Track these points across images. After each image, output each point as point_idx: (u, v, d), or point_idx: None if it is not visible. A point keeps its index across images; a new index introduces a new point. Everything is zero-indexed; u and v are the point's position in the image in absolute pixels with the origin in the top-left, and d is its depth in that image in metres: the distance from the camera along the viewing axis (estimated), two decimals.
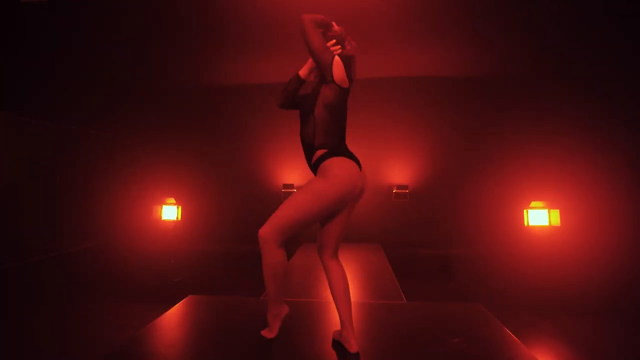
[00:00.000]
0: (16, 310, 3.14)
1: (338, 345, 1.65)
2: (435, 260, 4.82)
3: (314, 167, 1.64)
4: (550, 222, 4.52)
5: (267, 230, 1.54)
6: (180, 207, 5.19)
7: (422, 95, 5.38)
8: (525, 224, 4.65)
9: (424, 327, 1.95)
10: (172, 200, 5.21)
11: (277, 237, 1.55)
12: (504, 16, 3.70)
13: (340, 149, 1.62)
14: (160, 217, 5.11)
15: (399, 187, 5.48)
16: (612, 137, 4.75)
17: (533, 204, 4.66)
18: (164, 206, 5.13)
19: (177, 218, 5.12)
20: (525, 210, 4.66)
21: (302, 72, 1.77)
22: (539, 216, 4.57)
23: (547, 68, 5.03)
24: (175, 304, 2.26)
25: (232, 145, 5.88)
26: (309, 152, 1.67)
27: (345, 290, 1.66)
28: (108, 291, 3.58)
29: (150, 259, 4.73)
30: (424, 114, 5.45)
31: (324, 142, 1.61)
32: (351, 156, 1.62)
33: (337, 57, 1.62)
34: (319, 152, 1.61)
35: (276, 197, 5.78)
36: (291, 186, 5.76)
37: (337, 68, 1.60)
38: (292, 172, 6.02)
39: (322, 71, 1.61)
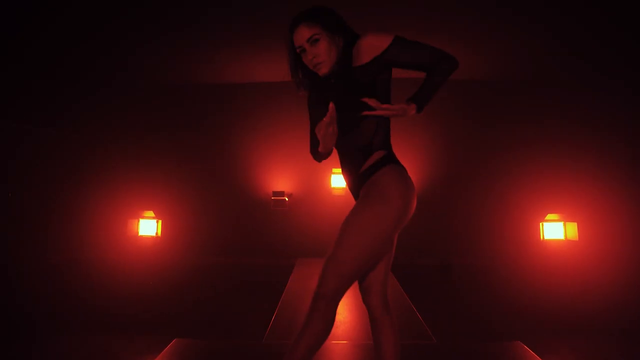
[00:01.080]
0: None
1: None
2: (447, 272, 4.54)
3: (364, 175, 1.19)
4: (566, 235, 4.27)
5: (332, 287, 1.08)
6: (160, 221, 4.64)
7: (434, 99, 5.08)
8: (541, 237, 4.39)
9: None
10: (151, 213, 4.64)
11: (340, 296, 1.10)
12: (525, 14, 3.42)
13: (394, 155, 1.22)
14: (137, 232, 4.54)
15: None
16: (630, 147, 4.58)
17: (549, 216, 4.40)
18: (141, 220, 4.56)
19: (156, 233, 4.56)
20: (541, 224, 4.39)
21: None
22: (555, 229, 4.31)
23: (567, 76, 4.83)
24: (158, 342, 1.81)
25: (216, 151, 5.41)
26: (360, 156, 1.21)
27: (394, 344, 1.23)
28: (73, 318, 3.01)
29: (124, 279, 4.15)
30: (437, 119, 5.13)
31: (385, 142, 1.21)
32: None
33: None
34: (379, 155, 1.18)
35: (265, 206, 5.34)
36: (282, 194, 5.34)
37: None
38: (282, 178, 5.60)
39: None
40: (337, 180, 5.22)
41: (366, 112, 1.13)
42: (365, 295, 1.26)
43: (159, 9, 3.39)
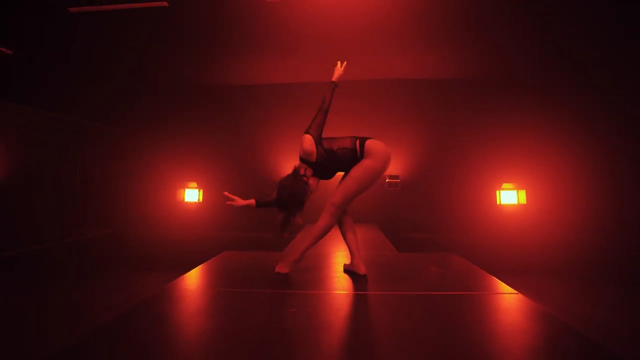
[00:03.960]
0: (74, 279, 3.64)
1: (349, 272, 2.19)
2: (422, 233, 5.45)
3: (360, 155, 2.04)
4: (518, 200, 5.19)
5: (339, 199, 2.00)
6: (201, 190, 5.72)
7: (410, 96, 6.04)
8: (498, 202, 5.32)
9: (411, 265, 2.53)
10: (194, 184, 5.74)
11: (343, 205, 2.03)
12: (484, 29, 4.35)
13: (364, 136, 2.10)
14: (184, 199, 5.63)
15: (391, 177, 6.08)
16: (567, 131, 5.47)
17: (504, 185, 5.33)
18: (186, 189, 5.66)
19: (198, 200, 5.64)
20: (497, 191, 5.32)
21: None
22: (509, 196, 5.24)
23: (515, 73, 5.73)
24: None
25: (242, 139, 6.45)
26: (350, 157, 2.04)
27: (353, 230, 2.21)
28: (147, 264, 4.10)
29: (178, 236, 5.24)
30: (412, 113, 6.10)
31: (353, 137, 2.08)
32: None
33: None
34: (357, 142, 2.05)
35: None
36: None
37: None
38: (292, 163, 6.55)
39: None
40: None
41: None
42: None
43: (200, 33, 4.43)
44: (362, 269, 2.14)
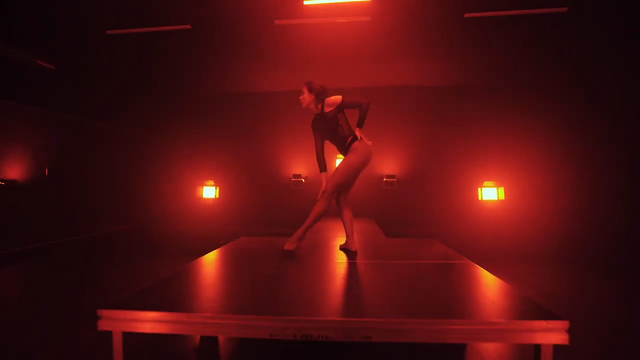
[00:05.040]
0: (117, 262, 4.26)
1: (344, 249, 2.76)
2: (414, 224, 6.01)
3: (347, 148, 2.58)
4: (497, 196, 5.74)
5: (330, 187, 2.54)
6: (218, 188, 6.35)
7: (403, 103, 6.61)
8: (480, 198, 5.87)
9: (394, 245, 3.10)
10: (212, 182, 6.37)
11: (334, 192, 2.57)
12: (468, 42, 4.92)
13: (356, 137, 2.61)
14: (202, 195, 6.26)
15: (388, 176, 6.65)
16: (539, 135, 6.03)
17: (485, 183, 5.87)
18: (204, 187, 6.28)
19: (215, 196, 6.27)
20: (479, 188, 5.87)
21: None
22: (490, 192, 5.79)
23: (496, 81, 6.29)
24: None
25: (254, 141, 7.06)
26: (344, 142, 2.59)
27: (351, 219, 2.77)
28: (174, 252, 4.72)
29: (198, 229, 5.87)
30: (405, 118, 6.66)
31: (351, 133, 2.60)
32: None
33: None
34: (350, 139, 2.57)
35: (287, 184, 6.94)
36: (299, 176, 6.90)
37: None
38: (300, 164, 7.18)
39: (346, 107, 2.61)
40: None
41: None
42: (339, 199, 2.72)
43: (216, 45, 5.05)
44: (353, 247, 2.70)
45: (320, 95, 2.63)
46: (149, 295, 1.74)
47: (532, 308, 1.51)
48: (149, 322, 1.51)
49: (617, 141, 5.74)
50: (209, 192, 6.38)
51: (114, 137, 6.62)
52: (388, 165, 6.78)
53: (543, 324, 1.37)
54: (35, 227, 5.29)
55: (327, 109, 2.59)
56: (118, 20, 4.42)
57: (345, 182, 2.60)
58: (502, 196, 5.75)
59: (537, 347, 1.40)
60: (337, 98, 2.57)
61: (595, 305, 2.86)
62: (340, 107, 2.58)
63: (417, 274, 2.10)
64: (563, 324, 1.37)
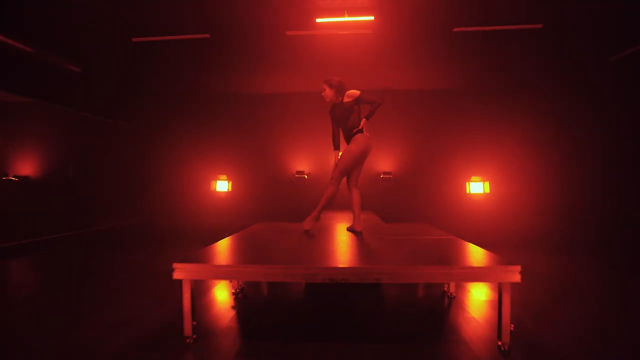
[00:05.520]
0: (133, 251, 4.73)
1: (350, 230, 3.27)
2: (408, 214, 6.57)
3: (350, 137, 3.07)
4: (484, 190, 6.33)
5: (337, 173, 3.02)
6: (230, 182, 6.84)
7: (399, 105, 7.18)
8: (467, 192, 6.46)
9: (391, 227, 3.63)
10: (224, 176, 6.86)
11: (340, 177, 3.05)
12: (462, 50, 5.49)
13: (360, 130, 3.14)
14: (215, 188, 6.75)
15: (385, 173, 7.19)
16: (524, 134, 6.66)
17: (473, 178, 6.47)
18: (217, 181, 6.77)
19: (228, 189, 6.76)
20: (467, 183, 6.46)
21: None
22: (477, 186, 6.38)
23: (481, 86, 6.90)
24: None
25: (262, 140, 7.58)
26: (350, 131, 3.07)
27: (359, 202, 3.29)
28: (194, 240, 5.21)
29: (213, 220, 6.34)
30: (401, 119, 7.23)
31: (356, 126, 3.08)
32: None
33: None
34: (356, 130, 3.05)
35: (290, 180, 7.45)
36: (302, 172, 7.41)
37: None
38: (303, 162, 7.70)
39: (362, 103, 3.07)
40: None
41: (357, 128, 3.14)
42: (348, 183, 3.26)
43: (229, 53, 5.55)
44: (359, 227, 3.23)
45: (339, 88, 3.06)
46: (206, 254, 2.25)
47: (498, 262, 2.06)
48: (208, 271, 2.02)
49: (591, 139, 6.38)
50: (222, 185, 6.88)
51: (133, 136, 7.08)
52: (385, 162, 7.34)
53: (504, 268, 1.92)
54: (65, 219, 5.73)
55: (345, 99, 3.01)
56: (144, 29, 4.90)
57: (348, 168, 3.05)
58: (487, 190, 6.35)
59: (500, 284, 1.94)
60: (356, 92, 3.00)
61: (562, 277, 3.42)
62: (357, 101, 3.01)
63: (413, 244, 2.64)
64: (517, 268, 1.92)
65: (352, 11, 3.79)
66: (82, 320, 2.39)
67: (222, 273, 2.07)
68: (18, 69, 5.22)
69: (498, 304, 1.94)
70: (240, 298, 2.85)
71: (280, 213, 7.18)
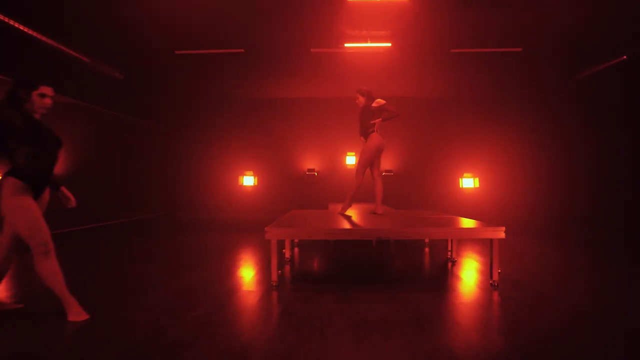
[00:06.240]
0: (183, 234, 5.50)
1: (373, 213, 4.16)
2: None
3: (366, 135, 3.91)
4: (474, 185, 7.35)
5: (359, 167, 3.83)
6: (256, 177, 7.65)
7: (404, 110, 8.14)
8: (460, 186, 7.47)
9: (399, 212, 4.53)
10: (251, 172, 7.68)
11: (362, 170, 3.87)
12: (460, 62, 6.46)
13: (374, 130, 4.07)
14: (242, 183, 7.55)
15: (387, 171, 8.11)
16: (509, 138, 7.73)
17: (465, 174, 7.49)
18: (244, 176, 7.57)
19: (254, 183, 7.58)
20: (460, 179, 7.48)
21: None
22: (469, 182, 7.40)
23: (473, 97, 7.94)
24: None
25: (279, 141, 8.43)
26: (365, 131, 3.92)
27: (381, 190, 4.16)
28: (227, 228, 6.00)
29: (241, 212, 7.14)
30: (403, 123, 8.18)
31: (375, 130, 4.04)
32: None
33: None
34: (370, 129, 3.95)
35: (301, 177, 8.30)
36: (313, 170, 8.26)
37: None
38: (313, 160, 8.56)
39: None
40: (350, 160, 8.16)
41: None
42: (372, 174, 4.14)
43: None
44: (380, 210, 4.10)
45: (369, 95, 3.86)
46: (283, 222, 3.10)
47: (489, 224, 2.97)
48: (288, 233, 2.87)
49: (568, 142, 7.48)
50: (249, 180, 7.71)
51: (170, 137, 7.79)
52: (386, 161, 8.27)
53: (494, 228, 2.82)
54: (108, 210, 6.42)
55: (373, 104, 3.81)
56: (187, 43, 5.66)
57: (368, 162, 3.83)
58: (477, 184, 7.38)
59: (490, 240, 2.85)
60: (382, 101, 3.80)
61: (535, 250, 4.38)
62: (381, 108, 3.83)
63: (423, 218, 3.54)
64: (502, 228, 2.82)
65: (375, 39, 4.68)
66: (191, 276, 3.19)
67: (304, 233, 2.92)
68: (73, 76, 5.91)
69: (490, 254, 2.85)
70: (294, 259, 3.69)
71: (295, 204, 8.00)
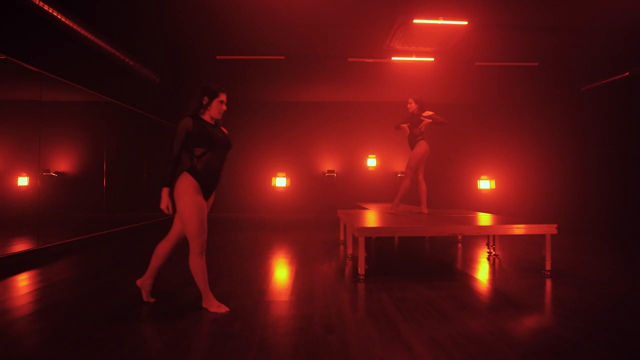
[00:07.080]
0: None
1: (419, 213, 4.57)
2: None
3: (415, 143, 4.35)
4: (490, 186, 7.93)
5: (408, 170, 4.23)
6: (288, 179, 7.95)
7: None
8: (478, 187, 8.04)
9: (432, 212, 4.96)
10: (283, 174, 7.96)
11: (411, 173, 4.26)
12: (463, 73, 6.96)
13: (422, 138, 4.46)
14: (275, 184, 7.84)
15: (401, 173, 8.56)
16: (524, 143, 8.35)
17: (482, 177, 8.07)
18: (277, 178, 7.85)
19: (286, 184, 7.87)
20: (478, 181, 8.05)
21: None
22: (486, 184, 7.97)
23: (493, 104, 8.51)
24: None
25: (301, 145, 8.74)
26: (414, 138, 4.36)
27: (425, 191, 4.56)
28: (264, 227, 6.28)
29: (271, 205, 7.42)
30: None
31: (420, 134, 4.44)
32: None
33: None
34: (418, 137, 4.35)
35: (322, 178, 8.66)
36: (332, 171, 8.60)
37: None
38: (332, 161, 8.91)
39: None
40: (371, 162, 8.56)
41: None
42: (418, 177, 4.56)
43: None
44: (424, 210, 4.52)
45: (421, 103, 4.26)
46: (361, 220, 3.46)
47: (545, 222, 3.43)
48: (374, 231, 3.22)
49: (575, 149, 8.14)
50: (281, 181, 8.00)
51: None
52: (401, 163, 8.73)
53: (549, 225, 3.28)
54: (140, 211, 6.57)
55: (422, 114, 4.24)
56: (228, 49, 5.88)
57: (416, 166, 4.27)
58: (493, 186, 7.97)
59: (543, 236, 3.29)
60: (430, 113, 4.23)
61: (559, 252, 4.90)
62: (431, 118, 4.22)
63: (463, 215, 3.98)
64: (555, 225, 3.28)
65: (420, 54, 5.09)
66: (280, 273, 3.49)
67: (385, 231, 3.28)
68: (115, 77, 6.05)
69: (546, 248, 3.29)
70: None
71: (318, 204, 8.37)
